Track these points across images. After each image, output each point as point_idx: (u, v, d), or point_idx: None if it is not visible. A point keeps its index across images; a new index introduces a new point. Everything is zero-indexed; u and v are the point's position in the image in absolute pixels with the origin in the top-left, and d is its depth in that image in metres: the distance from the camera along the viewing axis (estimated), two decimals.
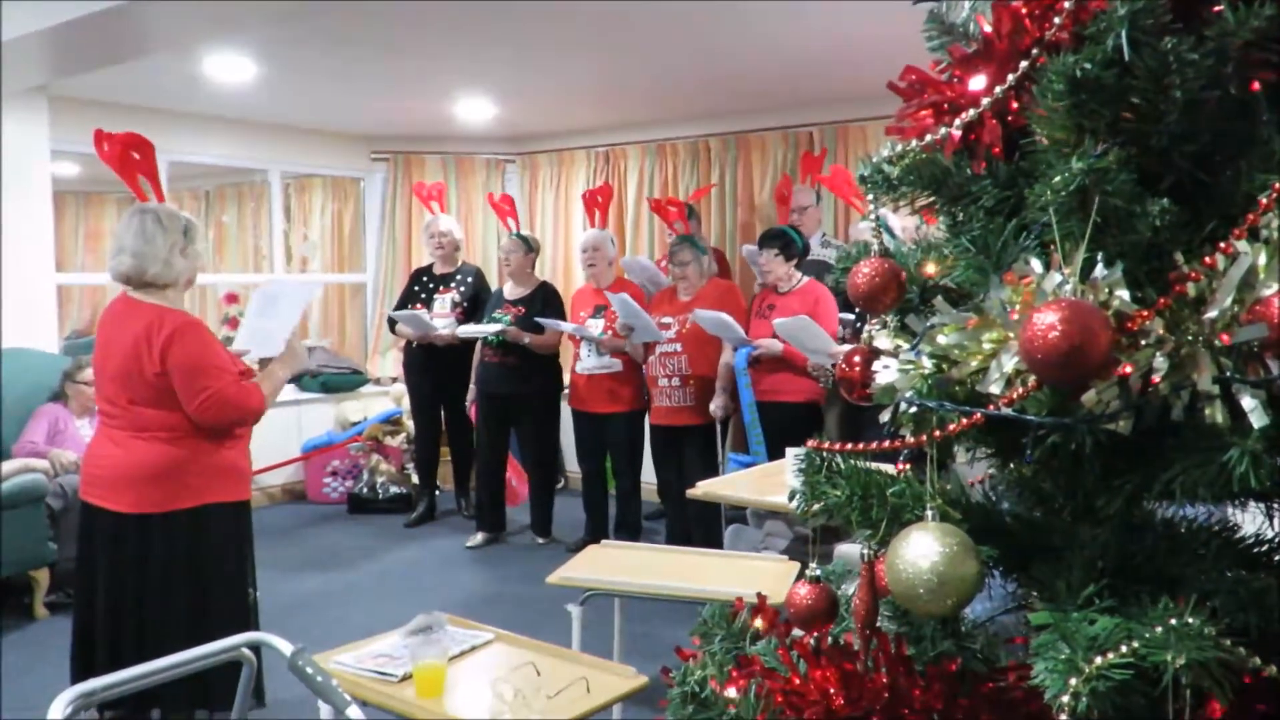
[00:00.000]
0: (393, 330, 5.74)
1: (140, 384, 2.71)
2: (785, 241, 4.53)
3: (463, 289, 5.59)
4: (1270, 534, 1.04)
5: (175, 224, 2.82)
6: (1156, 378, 0.87)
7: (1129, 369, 0.88)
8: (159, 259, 2.77)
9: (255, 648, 1.93)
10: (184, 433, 2.75)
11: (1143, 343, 0.88)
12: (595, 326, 4.98)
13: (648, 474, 5.16)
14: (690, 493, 3.62)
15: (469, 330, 5.24)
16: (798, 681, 1.12)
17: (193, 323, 2.79)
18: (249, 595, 2.97)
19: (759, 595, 1.39)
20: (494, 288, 5.61)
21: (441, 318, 5.47)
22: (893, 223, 3.85)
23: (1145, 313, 0.88)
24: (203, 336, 2.78)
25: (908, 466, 1.13)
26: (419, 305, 5.55)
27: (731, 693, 1.18)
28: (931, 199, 1.20)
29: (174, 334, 2.70)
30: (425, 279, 5.70)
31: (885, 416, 1.09)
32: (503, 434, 5.37)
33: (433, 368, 5.55)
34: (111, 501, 2.75)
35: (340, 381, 6.56)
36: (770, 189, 5.73)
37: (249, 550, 3.01)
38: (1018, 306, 0.94)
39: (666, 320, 4.81)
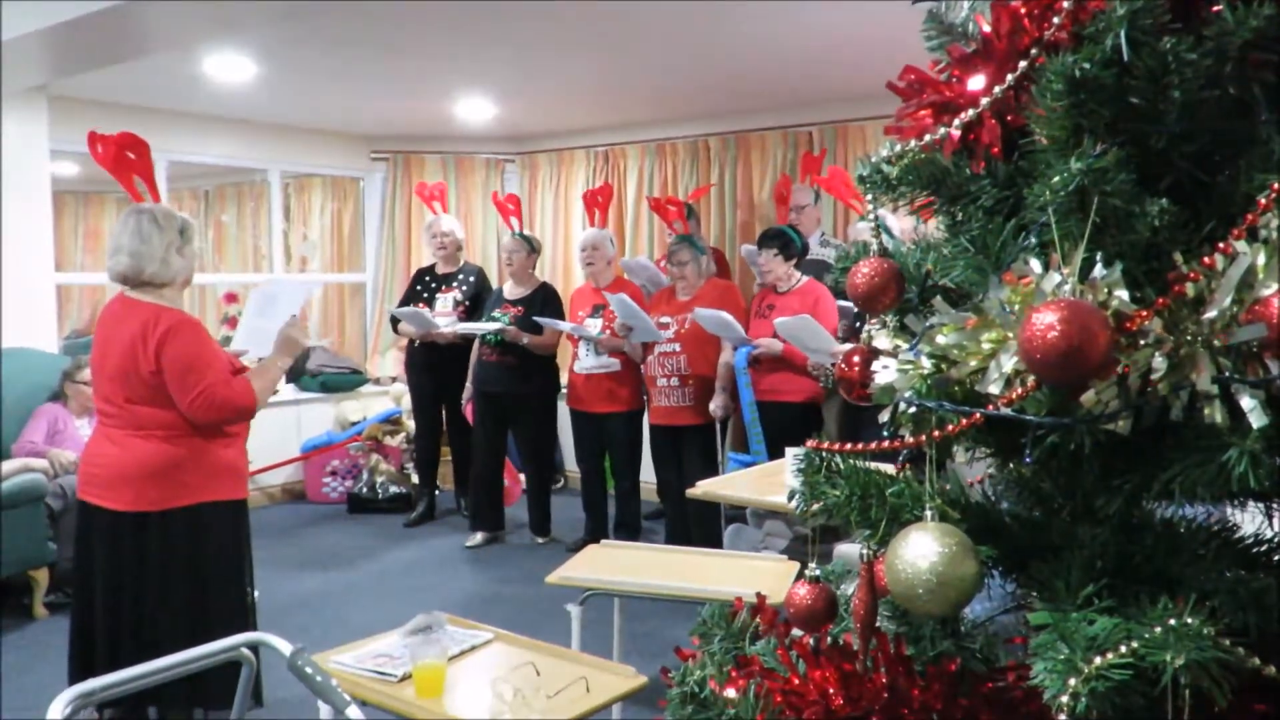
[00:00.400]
0: (395, 329, 5.74)
1: (137, 382, 2.71)
2: (784, 241, 4.53)
3: (465, 288, 5.59)
4: (1270, 534, 1.04)
5: (171, 223, 2.82)
6: (1155, 378, 0.87)
7: (1128, 369, 0.88)
8: (155, 258, 2.78)
9: (254, 647, 1.93)
10: (181, 431, 2.75)
11: (1142, 343, 0.88)
12: (594, 326, 4.97)
13: (647, 473, 5.16)
14: (690, 492, 3.62)
15: (469, 326, 5.25)
16: (797, 682, 1.11)
17: (188, 321, 2.79)
18: (247, 595, 2.97)
19: (758, 595, 1.39)
20: (495, 287, 5.62)
21: (444, 317, 5.47)
22: (891, 223, 3.85)
23: (1144, 313, 0.88)
24: (197, 334, 2.78)
25: (907, 466, 1.13)
26: (421, 304, 5.55)
27: (731, 693, 1.18)
28: (930, 199, 1.19)
29: (168, 332, 2.71)
30: (428, 278, 5.71)
31: (885, 416, 1.09)
32: (500, 433, 5.36)
33: (435, 367, 5.55)
34: (109, 500, 2.75)
35: (340, 381, 6.56)
36: (769, 189, 5.72)
37: (247, 549, 3.02)
38: (1017, 306, 0.94)
39: (665, 320, 4.81)
